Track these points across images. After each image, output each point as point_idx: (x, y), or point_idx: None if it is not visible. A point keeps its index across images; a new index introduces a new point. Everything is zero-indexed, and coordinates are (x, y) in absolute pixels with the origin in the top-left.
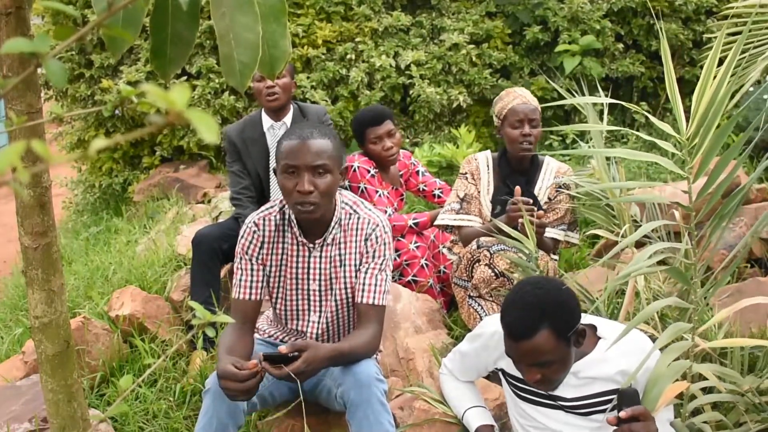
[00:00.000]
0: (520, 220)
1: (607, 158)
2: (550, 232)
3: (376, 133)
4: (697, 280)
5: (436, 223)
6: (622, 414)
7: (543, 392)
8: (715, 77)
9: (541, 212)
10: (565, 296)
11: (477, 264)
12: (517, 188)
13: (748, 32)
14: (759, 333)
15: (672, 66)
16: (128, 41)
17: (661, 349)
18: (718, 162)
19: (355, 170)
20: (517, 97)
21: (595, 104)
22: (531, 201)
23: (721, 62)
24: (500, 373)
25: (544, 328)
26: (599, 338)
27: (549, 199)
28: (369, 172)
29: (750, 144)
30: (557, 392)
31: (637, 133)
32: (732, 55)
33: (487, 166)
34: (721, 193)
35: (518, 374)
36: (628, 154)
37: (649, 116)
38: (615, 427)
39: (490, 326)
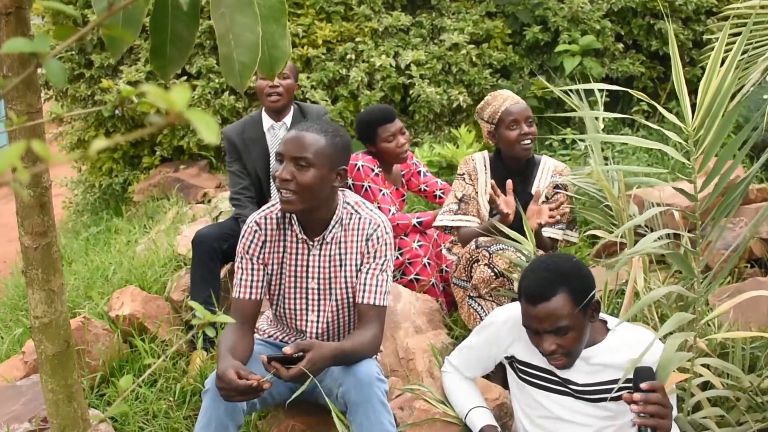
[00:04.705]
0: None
1: (605, 159)
2: (548, 231)
3: (389, 131)
4: (699, 270)
5: (434, 224)
6: (643, 386)
7: (555, 376)
8: (721, 64)
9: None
10: (582, 266)
11: (476, 264)
12: (509, 183)
13: (749, 33)
14: (759, 332)
15: (679, 60)
16: (128, 41)
17: (663, 340)
18: (721, 154)
19: (359, 169)
20: (506, 99)
21: (592, 106)
22: (513, 201)
23: (723, 62)
24: (508, 363)
25: (562, 291)
26: (609, 330)
27: (546, 198)
28: (373, 170)
29: (749, 143)
30: (569, 375)
31: (645, 122)
32: (736, 48)
33: (485, 166)
34: (725, 183)
35: (530, 360)
36: (635, 141)
37: (658, 106)
38: (631, 409)
39: (502, 314)
